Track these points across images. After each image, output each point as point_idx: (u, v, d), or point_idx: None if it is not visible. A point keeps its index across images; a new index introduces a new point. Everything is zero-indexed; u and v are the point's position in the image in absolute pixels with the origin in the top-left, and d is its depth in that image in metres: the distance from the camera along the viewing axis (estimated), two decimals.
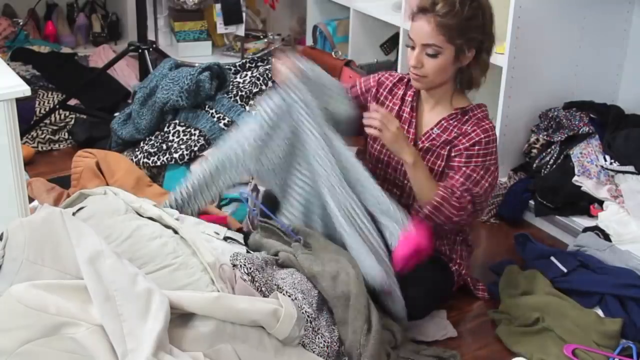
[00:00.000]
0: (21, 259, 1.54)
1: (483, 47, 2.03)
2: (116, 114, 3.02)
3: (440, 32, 1.94)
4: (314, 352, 1.71)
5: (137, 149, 2.68)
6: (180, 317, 1.57)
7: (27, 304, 1.44)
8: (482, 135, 2.04)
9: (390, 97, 2.19)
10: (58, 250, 1.57)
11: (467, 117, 2.08)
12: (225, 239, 2.06)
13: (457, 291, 2.24)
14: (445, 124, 2.09)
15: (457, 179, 2.02)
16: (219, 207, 2.52)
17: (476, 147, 2.03)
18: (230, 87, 2.71)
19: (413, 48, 2.01)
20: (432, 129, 2.11)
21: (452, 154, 2.06)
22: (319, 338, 1.73)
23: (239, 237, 2.06)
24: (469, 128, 2.06)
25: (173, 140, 2.63)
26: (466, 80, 2.07)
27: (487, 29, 2.02)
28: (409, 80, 2.15)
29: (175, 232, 1.90)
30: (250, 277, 1.77)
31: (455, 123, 2.09)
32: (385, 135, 1.97)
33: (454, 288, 2.20)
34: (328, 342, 1.74)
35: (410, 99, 2.15)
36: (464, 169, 2.03)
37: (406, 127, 2.13)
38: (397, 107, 2.16)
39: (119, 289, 1.49)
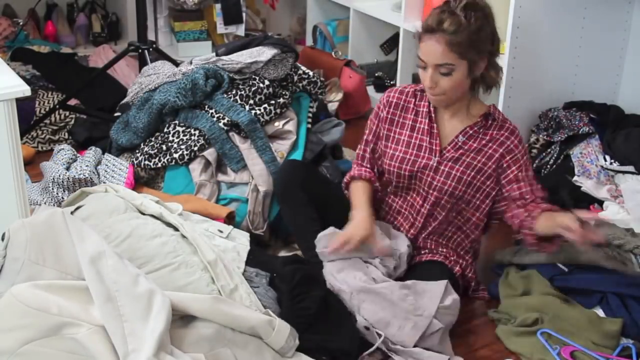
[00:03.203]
0: (23, 259, 1.54)
1: (494, 52, 2.04)
2: (116, 114, 3.02)
3: (452, 50, 1.93)
4: None
5: (137, 151, 2.68)
6: (181, 319, 1.57)
7: (29, 304, 1.44)
8: (512, 138, 2.10)
9: (401, 114, 2.19)
10: (59, 250, 1.57)
11: (490, 121, 2.11)
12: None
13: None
14: (470, 132, 2.11)
15: (520, 187, 2.09)
16: None
17: (515, 151, 2.09)
18: (230, 86, 2.71)
19: (425, 68, 2.00)
20: (457, 137, 2.12)
21: (499, 168, 2.09)
22: None
23: (245, 235, 2.06)
24: (494, 132, 2.10)
25: (173, 140, 2.63)
26: (485, 85, 2.09)
27: (494, 32, 2.02)
28: (417, 91, 2.18)
29: (177, 229, 1.90)
30: None
31: (481, 130, 2.11)
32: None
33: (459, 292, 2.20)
34: None
35: (425, 109, 2.15)
36: (519, 174, 2.09)
37: (427, 138, 2.13)
38: (410, 121, 2.17)
39: (121, 290, 1.49)
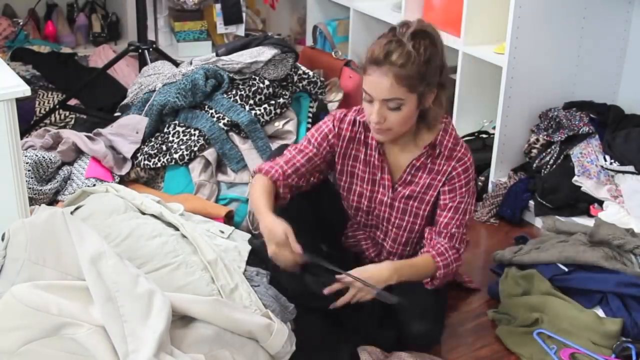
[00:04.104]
0: (22, 259, 1.54)
1: (442, 84, 1.88)
2: (116, 114, 3.02)
3: (401, 84, 1.78)
4: None
5: (137, 151, 2.68)
6: (181, 319, 1.57)
7: (29, 304, 1.44)
8: (457, 166, 1.96)
9: (353, 146, 2.03)
10: (59, 250, 1.57)
11: (438, 151, 1.96)
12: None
13: (455, 292, 2.26)
14: (417, 164, 1.98)
15: (445, 215, 1.96)
16: None
17: (456, 180, 1.96)
18: (230, 87, 2.71)
19: (371, 102, 1.84)
20: (405, 172, 1.99)
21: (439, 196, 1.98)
22: None
23: (246, 236, 2.06)
24: (442, 162, 1.96)
25: (173, 141, 2.63)
26: (429, 120, 1.93)
27: (443, 63, 1.86)
28: (364, 122, 2.00)
29: (177, 229, 1.90)
30: None
31: (429, 160, 1.97)
32: (368, 295, 1.82)
33: (446, 289, 2.16)
34: None
35: (374, 142, 1.99)
36: (450, 204, 1.96)
37: (379, 174, 2.01)
38: (362, 154, 2.02)
39: (121, 290, 1.49)
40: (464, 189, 1.97)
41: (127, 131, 2.67)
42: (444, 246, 1.94)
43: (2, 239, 1.59)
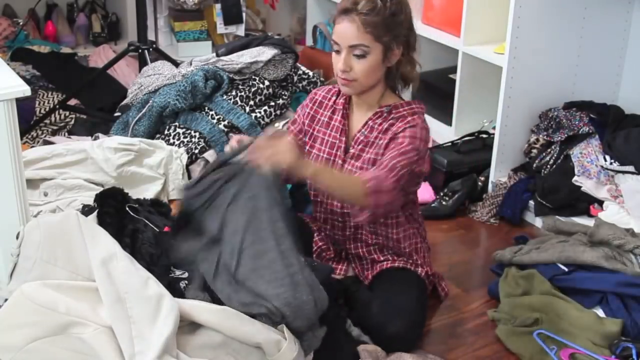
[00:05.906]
0: (35, 258, 1.56)
1: (409, 44, 1.96)
2: (116, 114, 3.02)
3: (366, 30, 1.86)
4: None
5: None
6: (189, 324, 1.57)
7: (38, 302, 1.45)
8: (407, 128, 1.93)
9: (320, 110, 2.10)
10: (71, 251, 1.58)
11: (392, 114, 1.98)
12: None
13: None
14: (370, 124, 2.01)
15: (385, 154, 1.93)
16: None
17: (399, 135, 1.93)
18: (229, 87, 2.71)
19: (339, 52, 1.92)
20: (359, 131, 2.02)
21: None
22: None
23: None
24: (395, 122, 1.97)
25: (174, 143, 2.63)
26: (400, 78, 2.01)
27: (410, 24, 1.95)
28: (339, 90, 2.08)
29: None
30: None
31: (380, 121, 1.99)
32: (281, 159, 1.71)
33: (428, 293, 2.15)
34: None
35: (341, 107, 2.06)
36: (393, 146, 1.92)
37: (338, 136, 2.05)
38: (326, 118, 2.08)
39: (130, 292, 1.50)
40: (407, 140, 1.91)
41: None
42: (377, 171, 1.86)
43: (17, 238, 1.61)
